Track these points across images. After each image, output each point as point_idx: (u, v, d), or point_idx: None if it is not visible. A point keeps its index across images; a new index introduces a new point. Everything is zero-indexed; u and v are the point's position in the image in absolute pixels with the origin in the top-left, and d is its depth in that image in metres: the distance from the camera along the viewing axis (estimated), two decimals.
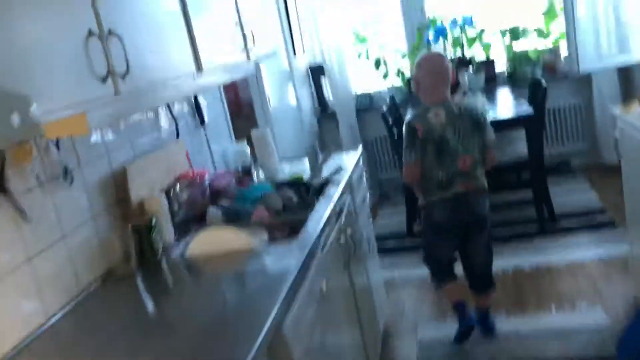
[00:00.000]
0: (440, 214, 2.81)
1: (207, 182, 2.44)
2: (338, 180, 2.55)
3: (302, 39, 5.15)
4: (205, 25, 2.12)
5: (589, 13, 4.63)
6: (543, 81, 4.06)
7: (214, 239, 1.94)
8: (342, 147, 5.24)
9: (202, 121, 2.77)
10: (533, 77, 4.60)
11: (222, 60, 2.24)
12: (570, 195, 4.49)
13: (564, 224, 4.05)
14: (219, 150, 2.89)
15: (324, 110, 5.45)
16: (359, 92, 5.37)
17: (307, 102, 5.24)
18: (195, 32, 2.02)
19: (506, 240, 3.96)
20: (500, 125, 3.93)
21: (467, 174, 2.76)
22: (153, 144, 2.31)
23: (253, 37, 2.52)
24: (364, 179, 3.18)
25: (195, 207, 2.33)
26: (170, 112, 2.48)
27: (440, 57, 2.98)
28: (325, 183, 2.56)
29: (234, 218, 2.29)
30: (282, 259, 1.86)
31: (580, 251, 3.63)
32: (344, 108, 5.21)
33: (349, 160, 2.97)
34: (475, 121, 2.81)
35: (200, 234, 1.97)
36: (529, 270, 3.55)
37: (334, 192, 2.43)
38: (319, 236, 2.03)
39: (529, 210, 4.17)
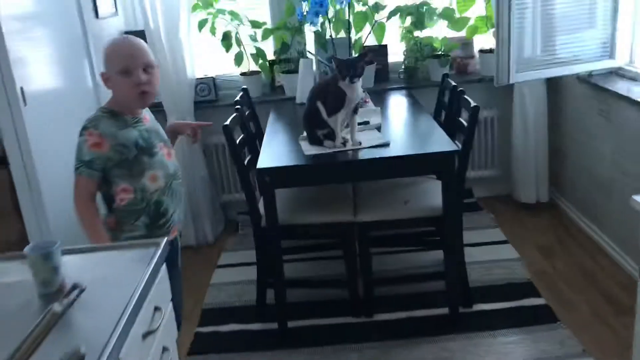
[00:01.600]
0: None
1: None
2: None
3: None
4: None
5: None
6: (470, 99, 2.71)
7: None
8: None
9: None
10: (445, 80, 3.25)
11: None
12: (482, 251, 3.26)
13: (482, 308, 2.79)
14: None
15: None
16: (200, 75, 3.73)
17: None
18: None
19: (407, 337, 2.63)
20: (406, 165, 2.53)
21: None
22: None
23: None
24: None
25: None
26: None
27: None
28: None
29: None
30: None
31: None
32: (175, 98, 3.55)
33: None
34: None
35: None
36: None
37: None
38: None
39: (433, 285, 2.88)
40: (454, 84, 3.03)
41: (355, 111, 2.58)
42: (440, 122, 3.17)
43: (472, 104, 2.59)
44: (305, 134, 2.72)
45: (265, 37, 3.59)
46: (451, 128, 2.87)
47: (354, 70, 2.44)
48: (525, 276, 3.02)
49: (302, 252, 3.23)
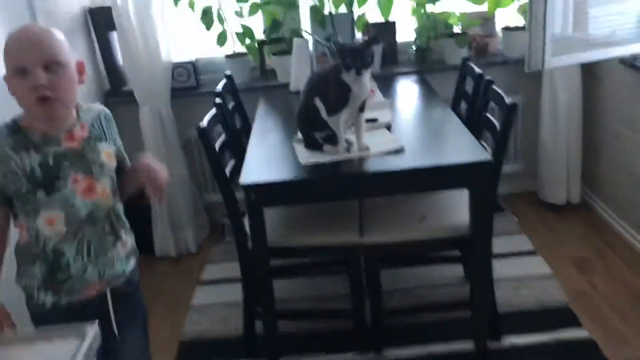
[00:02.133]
0: None
1: None
2: None
3: None
4: None
5: None
6: (502, 93, 2.21)
7: None
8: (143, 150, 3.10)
9: None
10: (466, 64, 2.73)
11: None
12: (507, 265, 2.79)
13: (513, 341, 2.34)
14: None
15: (116, 87, 3.23)
16: (178, 59, 3.20)
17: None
18: None
19: None
20: (427, 179, 2.03)
21: None
22: None
23: None
24: None
25: None
26: None
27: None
28: None
29: None
30: None
31: None
32: (149, 85, 3.04)
33: None
34: None
35: None
36: None
37: None
38: None
39: (457, 312, 2.42)
40: (478, 71, 2.52)
41: (361, 109, 2.08)
42: (460, 114, 2.68)
43: (507, 100, 2.09)
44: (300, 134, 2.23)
45: (252, 12, 3.06)
46: (475, 124, 2.39)
47: (362, 60, 1.93)
48: (561, 298, 2.56)
49: (296, 271, 2.76)
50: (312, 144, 2.15)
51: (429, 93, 2.81)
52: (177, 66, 3.15)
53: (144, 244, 3.28)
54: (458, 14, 3.17)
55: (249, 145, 2.32)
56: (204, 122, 2.17)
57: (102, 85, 3.20)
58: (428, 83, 2.96)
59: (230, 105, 2.79)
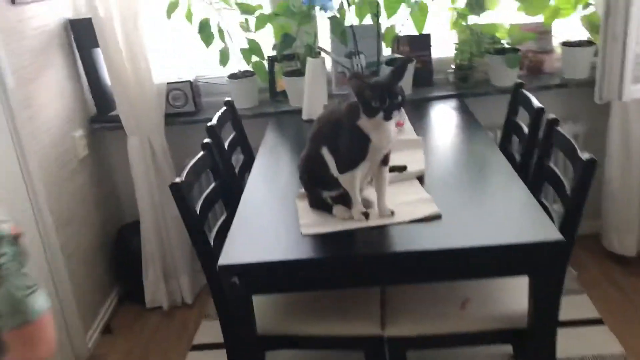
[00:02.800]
0: None
1: None
2: None
3: None
4: None
5: None
6: (573, 142, 1.68)
7: None
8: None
9: None
10: (519, 92, 2.19)
11: None
12: (567, 337, 2.23)
13: None
14: None
15: (103, 111, 2.78)
16: (173, 79, 2.73)
17: (64, 97, 2.55)
18: None
19: None
20: (473, 265, 1.49)
21: None
22: None
23: None
24: None
25: None
26: None
27: None
28: None
29: None
30: None
31: None
32: (138, 111, 2.57)
33: None
34: None
35: None
36: None
37: None
38: None
39: None
40: (537, 104, 1.99)
41: (384, 161, 1.58)
42: (510, 153, 2.16)
43: (581, 154, 1.55)
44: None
45: (259, 26, 2.56)
46: (534, 175, 1.86)
47: (392, 100, 1.42)
48: None
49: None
50: (318, 203, 1.65)
51: (471, 125, 2.28)
52: (172, 88, 2.69)
53: (133, 293, 2.83)
54: (507, 26, 2.62)
55: (241, 200, 1.83)
56: (182, 176, 1.70)
57: (87, 109, 2.76)
58: (469, 111, 2.43)
59: (231, 135, 2.33)
